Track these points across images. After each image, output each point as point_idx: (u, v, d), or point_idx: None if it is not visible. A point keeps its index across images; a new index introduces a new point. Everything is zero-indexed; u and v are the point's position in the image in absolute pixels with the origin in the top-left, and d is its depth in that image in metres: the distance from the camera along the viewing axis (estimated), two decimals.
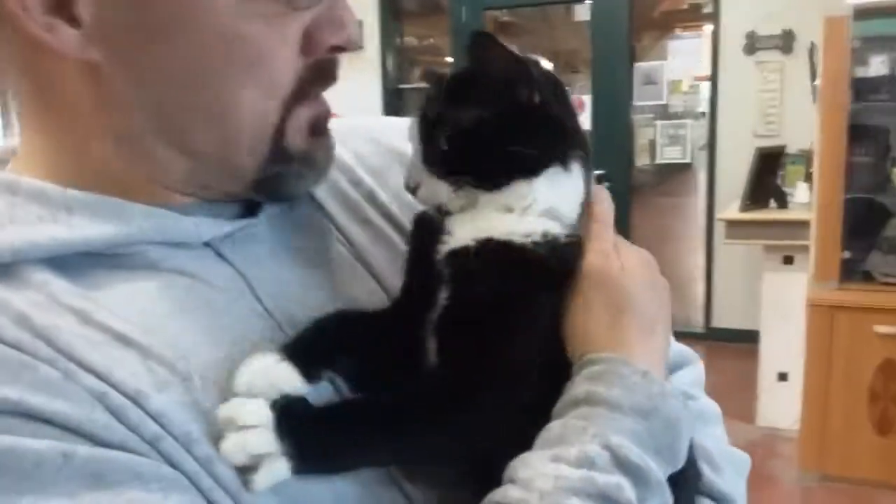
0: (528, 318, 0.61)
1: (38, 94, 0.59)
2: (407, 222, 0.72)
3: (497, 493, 0.55)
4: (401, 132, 0.69)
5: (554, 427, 0.57)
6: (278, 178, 0.62)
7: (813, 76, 3.79)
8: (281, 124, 0.60)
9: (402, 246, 0.71)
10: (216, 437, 0.54)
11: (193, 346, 0.57)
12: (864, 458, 3.06)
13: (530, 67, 0.62)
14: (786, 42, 4.64)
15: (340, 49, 0.61)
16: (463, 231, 0.62)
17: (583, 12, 5.30)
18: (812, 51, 3.92)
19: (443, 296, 0.61)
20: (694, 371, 0.79)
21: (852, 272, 3.07)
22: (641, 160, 5.97)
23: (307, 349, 0.59)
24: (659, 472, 0.56)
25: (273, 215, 0.67)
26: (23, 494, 0.47)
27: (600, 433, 0.55)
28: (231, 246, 0.64)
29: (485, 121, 0.62)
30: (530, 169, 0.62)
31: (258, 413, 0.54)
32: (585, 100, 5.20)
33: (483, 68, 0.63)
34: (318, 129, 0.63)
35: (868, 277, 3.08)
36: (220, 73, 0.57)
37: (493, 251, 0.61)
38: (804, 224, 3.34)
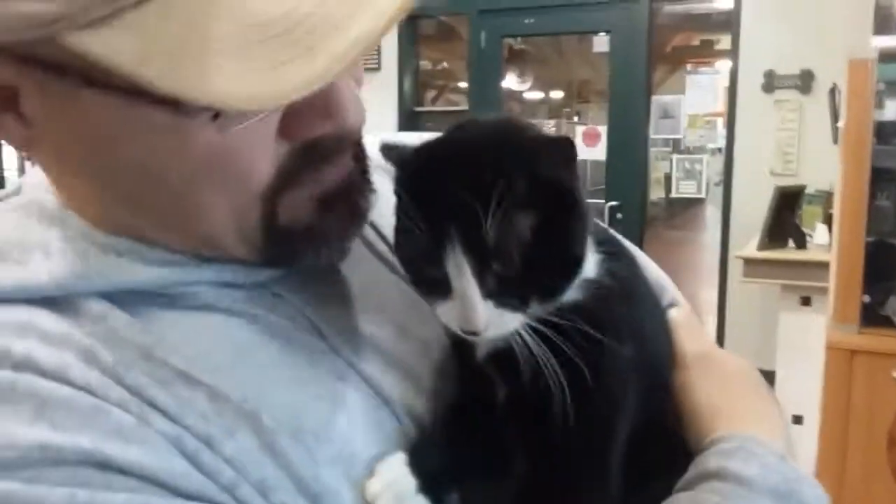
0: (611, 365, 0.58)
1: None
2: None
3: None
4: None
5: (682, 499, 0.55)
6: (289, 254, 0.58)
7: (835, 117, 3.78)
8: (269, 211, 0.55)
9: None
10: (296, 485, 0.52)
11: (259, 387, 0.55)
12: None
13: (574, 145, 0.54)
14: (804, 82, 4.64)
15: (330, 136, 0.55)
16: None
17: (600, 44, 5.30)
18: (834, 92, 3.92)
19: (504, 391, 0.58)
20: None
21: (872, 316, 3.04)
22: (655, 193, 5.97)
23: (434, 476, 0.57)
24: None
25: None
26: None
27: None
28: (286, 284, 0.61)
29: (542, 227, 0.53)
30: (583, 262, 0.57)
31: None
32: (601, 130, 5.20)
33: (528, 158, 0.53)
34: (328, 204, 0.58)
35: (888, 322, 3.05)
36: (176, 179, 0.52)
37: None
38: (822, 265, 3.32)
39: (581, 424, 0.55)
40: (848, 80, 3.03)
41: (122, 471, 0.47)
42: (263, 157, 0.53)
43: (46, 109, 0.50)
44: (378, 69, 5.59)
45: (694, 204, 6.18)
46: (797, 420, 3.60)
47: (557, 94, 11.55)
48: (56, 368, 0.49)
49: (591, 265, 0.58)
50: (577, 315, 0.55)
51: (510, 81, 8.35)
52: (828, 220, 3.77)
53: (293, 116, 0.52)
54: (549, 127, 9.76)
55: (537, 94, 11.01)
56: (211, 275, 0.58)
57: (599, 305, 0.57)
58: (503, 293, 0.53)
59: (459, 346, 0.60)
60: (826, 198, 4.00)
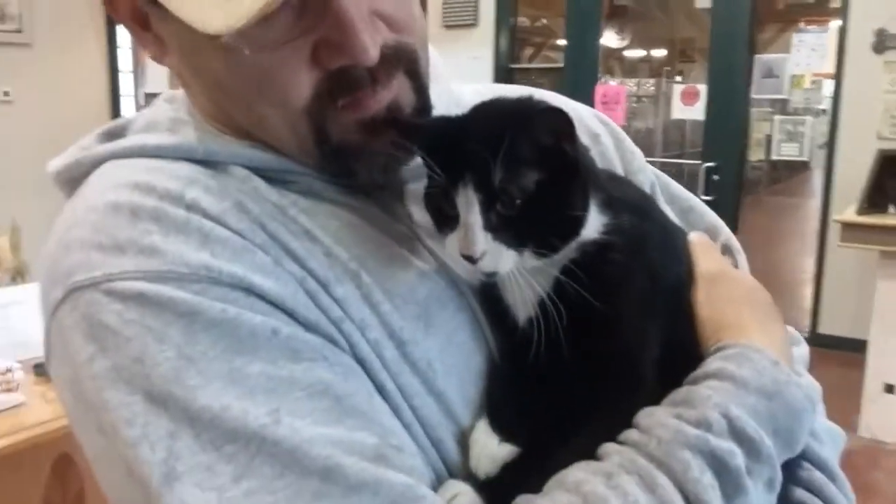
0: (632, 300, 0.66)
1: None
2: None
3: (621, 436, 0.61)
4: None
5: (681, 391, 0.63)
6: (345, 170, 0.68)
7: None
8: (319, 127, 0.65)
9: None
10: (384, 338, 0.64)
11: (361, 253, 0.66)
12: None
13: (570, 119, 0.62)
14: None
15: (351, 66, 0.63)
16: (524, 296, 0.66)
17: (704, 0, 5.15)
18: None
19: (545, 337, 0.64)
20: (800, 350, 0.83)
21: None
22: (756, 155, 5.80)
23: (506, 421, 0.65)
24: (772, 448, 0.61)
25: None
26: (239, 355, 0.56)
27: (722, 403, 0.61)
28: (379, 192, 0.71)
29: (543, 184, 0.62)
30: (581, 226, 0.64)
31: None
32: (701, 88, 5.08)
33: (529, 124, 0.62)
34: (369, 128, 0.65)
35: None
36: (239, 90, 0.64)
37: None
38: None
39: (605, 359, 0.65)
40: None
41: (262, 297, 0.59)
42: (297, 79, 0.62)
43: (162, 29, 0.65)
44: (475, 25, 5.60)
45: (799, 168, 5.96)
46: (889, 389, 3.51)
47: (660, 53, 11.28)
48: (217, 213, 0.61)
49: (595, 227, 0.65)
50: (575, 272, 0.64)
51: (609, 39, 8.20)
52: None
53: (322, 47, 0.61)
54: (648, 86, 9.55)
55: (638, 52, 10.78)
56: (313, 170, 0.68)
57: (597, 261, 0.65)
58: (502, 230, 0.62)
59: (502, 314, 0.69)
60: None
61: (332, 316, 0.62)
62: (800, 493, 0.70)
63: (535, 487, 0.60)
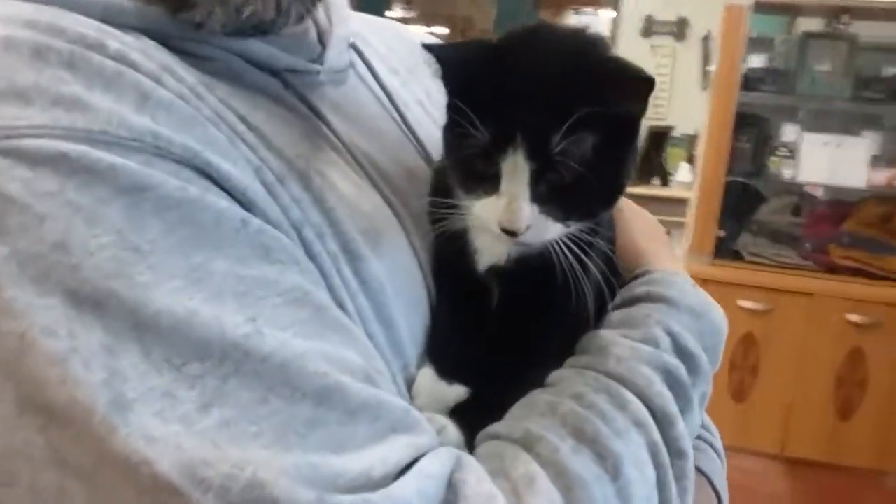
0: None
1: None
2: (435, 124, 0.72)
3: (569, 362, 0.59)
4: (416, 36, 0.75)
5: (615, 315, 0.62)
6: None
7: (706, 62, 3.97)
8: None
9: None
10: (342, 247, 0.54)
11: (302, 151, 0.56)
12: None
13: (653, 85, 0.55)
14: (679, 28, 4.84)
15: None
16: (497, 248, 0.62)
17: None
18: (707, 39, 4.10)
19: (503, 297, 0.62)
20: None
21: (724, 250, 3.26)
22: None
23: (452, 364, 0.60)
24: (707, 364, 0.61)
25: (333, 80, 0.65)
26: (199, 248, 0.44)
27: (663, 321, 0.61)
28: (298, 82, 0.61)
29: (599, 148, 0.54)
30: (624, 191, 0.60)
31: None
32: None
33: (614, 91, 0.54)
34: None
35: (737, 256, 3.28)
36: None
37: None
38: (683, 201, 3.51)
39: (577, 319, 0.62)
40: (722, 24, 3.18)
41: (220, 181, 0.47)
42: None
43: None
44: None
45: None
46: None
47: (443, 31, 11.50)
48: (151, 71, 0.48)
49: None
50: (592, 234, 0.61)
51: (397, 11, 8.23)
52: (691, 161, 3.98)
53: None
54: None
55: (421, 28, 10.93)
56: (237, 47, 0.56)
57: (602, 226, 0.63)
58: (551, 202, 0.55)
59: (458, 257, 0.63)
60: (690, 140, 4.21)
61: (292, 217, 0.51)
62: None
63: (495, 420, 0.56)
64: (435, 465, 0.45)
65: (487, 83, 0.54)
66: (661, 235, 0.75)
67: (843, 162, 3.12)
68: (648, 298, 0.64)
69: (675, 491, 0.55)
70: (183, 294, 0.42)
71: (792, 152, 3.20)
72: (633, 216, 0.73)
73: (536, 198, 0.55)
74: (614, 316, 0.63)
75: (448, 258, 0.63)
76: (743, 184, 3.34)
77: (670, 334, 0.60)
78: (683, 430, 0.56)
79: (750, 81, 3.20)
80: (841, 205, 3.24)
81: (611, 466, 0.50)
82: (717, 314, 0.66)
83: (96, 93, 0.44)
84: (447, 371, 0.59)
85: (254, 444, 0.40)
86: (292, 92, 0.60)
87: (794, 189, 3.33)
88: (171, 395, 0.40)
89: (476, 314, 0.62)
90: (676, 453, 0.55)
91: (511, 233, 0.55)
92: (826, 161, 3.14)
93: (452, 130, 0.58)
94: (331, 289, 0.52)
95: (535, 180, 0.54)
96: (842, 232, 3.14)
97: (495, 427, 0.54)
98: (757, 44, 3.25)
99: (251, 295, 0.44)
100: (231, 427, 0.40)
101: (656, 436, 0.54)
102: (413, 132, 0.72)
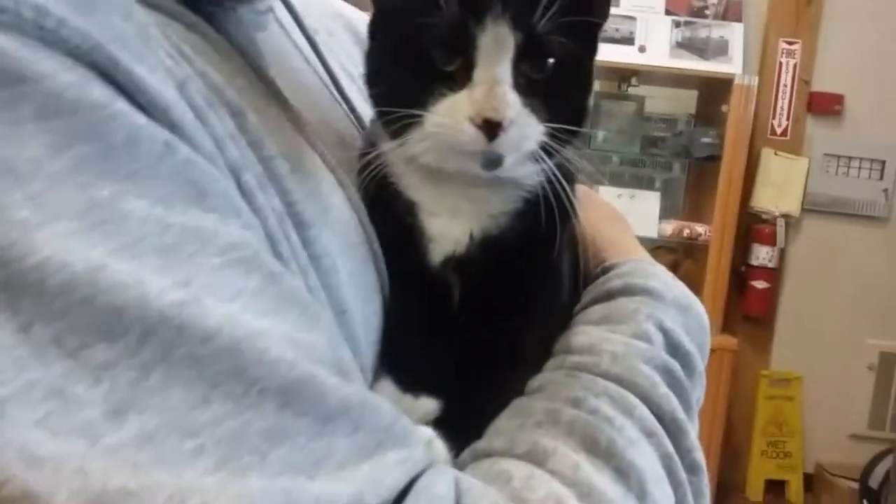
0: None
1: None
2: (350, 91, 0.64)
3: (552, 364, 0.50)
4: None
5: (594, 310, 0.54)
6: None
7: None
8: None
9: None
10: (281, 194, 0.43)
11: (241, 86, 0.46)
12: None
13: None
14: None
15: None
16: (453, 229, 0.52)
17: None
18: None
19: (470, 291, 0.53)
20: None
21: None
22: None
23: (414, 375, 0.50)
24: (701, 364, 0.54)
25: (254, 23, 0.56)
26: (105, 177, 0.31)
27: (653, 315, 0.53)
28: (221, 17, 0.51)
29: (566, 55, 0.49)
30: (586, 121, 0.55)
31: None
32: None
33: None
34: None
35: None
36: None
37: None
38: None
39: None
40: None
41: (129, 90, 0.33)
42: None
43: None
44: None
45: None
46: None
47: None
48: None
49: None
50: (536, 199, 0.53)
51: None
52: None
53: None
54: None
55: None
56: None
57: (555, 189, 0.54)
58: (532, 93, 0.48)
59: (411, 253, 0.53)
60: None
61: (229, 156, 0.39)
62: None
63: (477, 436, 0.47)
64: (439, 486, 0.35)
65: None
66: (624, 223, 0.68)
67: (635, 214, 3.30)
68: (628, 291, 0.55)
69: None
70: (81, 240, 0.29)
71: None
72: (590, 202, 0.65)
73: (518, 86, 0.47)
74: (595, 312, 0.55)
75: (392, 246, 0.53)
76: None
77: (663, 330, 0.52)
78: (695, 441, 0.49)
79: None
80: None
81: (635, 484, 0.42)
82: (701, 308, 0.59)
83: None
84: (410, 383, 0.50)
85: (193, 467, 0.27)
86: (216, 27, 0.49)
87: None
88: (64, 393, 0.27)
89: (435, 315, 0.53)
90: (690, 467, 0.47)
91: (492, 128, 0.46)
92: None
93: (383, 43, 0.51)
94: (278, 257, 0.40)
95: (517, 63, 0.46)
96: None
97: (485, 443, 0.45)
98: None
99: (181, 250, 0.31)
100: (157, 442, 0.27)
101: (669, 447, 0.46)
102: (343, 95, 0.63)
